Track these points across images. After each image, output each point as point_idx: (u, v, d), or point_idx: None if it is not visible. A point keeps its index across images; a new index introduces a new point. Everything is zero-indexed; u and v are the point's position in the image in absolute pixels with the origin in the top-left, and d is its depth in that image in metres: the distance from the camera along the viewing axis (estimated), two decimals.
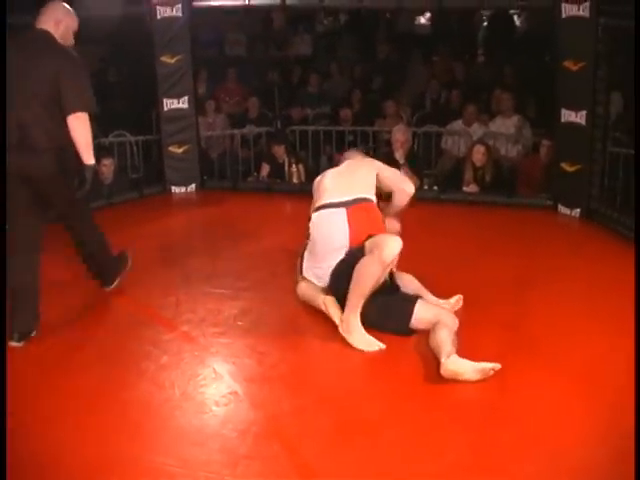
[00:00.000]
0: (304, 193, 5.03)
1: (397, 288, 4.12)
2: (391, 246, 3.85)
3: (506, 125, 7.61)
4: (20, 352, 3.79)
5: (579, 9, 5.55)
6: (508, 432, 3.15)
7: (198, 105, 7.07)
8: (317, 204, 4.26)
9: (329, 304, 4.07)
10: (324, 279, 4.19)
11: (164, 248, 5.38)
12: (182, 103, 6.55)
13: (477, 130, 7.64)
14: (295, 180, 7.02)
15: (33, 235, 4.06)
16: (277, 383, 3.56)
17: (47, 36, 4.03)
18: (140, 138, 7.60)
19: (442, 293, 4.29)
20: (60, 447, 3.07)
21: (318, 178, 4.51)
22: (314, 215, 4.23)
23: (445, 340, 3.64)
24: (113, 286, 4.61)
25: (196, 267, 5.05)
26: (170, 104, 6.62)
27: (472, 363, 3.49)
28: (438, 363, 3.54)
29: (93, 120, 4.14)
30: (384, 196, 4.42)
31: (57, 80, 3.91)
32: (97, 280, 4.59)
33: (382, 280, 3.92)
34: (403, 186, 4.37)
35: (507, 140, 7.49)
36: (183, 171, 6.83)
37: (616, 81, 6.04)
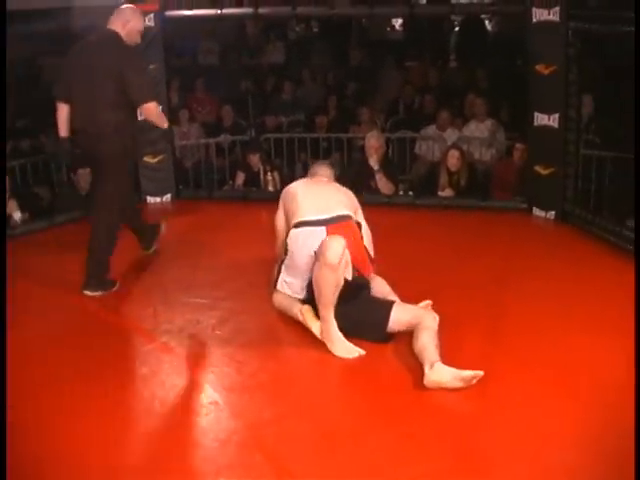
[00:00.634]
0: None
1: (364, 285, 4.12)
2: (333, 247, 3.84)
3: (480, 129, 7.67)
4: None
5: (549, 14, 5.60)
6: (491, 435, 3.18)
7: (172, 115, 7.04)
8: (295, 220, 4.19)
9: (306, 313, 4.07)
10: (298, 293, 4.18)
11: (140, 259, 5.36)
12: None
13: (451, 135, 7.68)
14: (271, 188, 7.01)
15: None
16: (257, 392, 3.56)
17: (114, 35, 4.64)
18: None
19: (419, 296, 4.30)
20: (38, 461, 3.05)
21: (288, 189, 4.46)
22: (293, 232, 4.16)
23: (428, 346, 3.65)
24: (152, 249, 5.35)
25: (173, 277, 5.03)
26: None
27: (454, 371, 3.49)
28: (419, 368, 3.56)
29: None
30: None
31: (121, 75, 4.48)
32: (140, 244, 5.31)
33: (342, 282, 3.89)
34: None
35: (481, 144, 7.54)
36: (158, 181, 6.79)
37: (586, 84, 6.09)
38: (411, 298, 4.23)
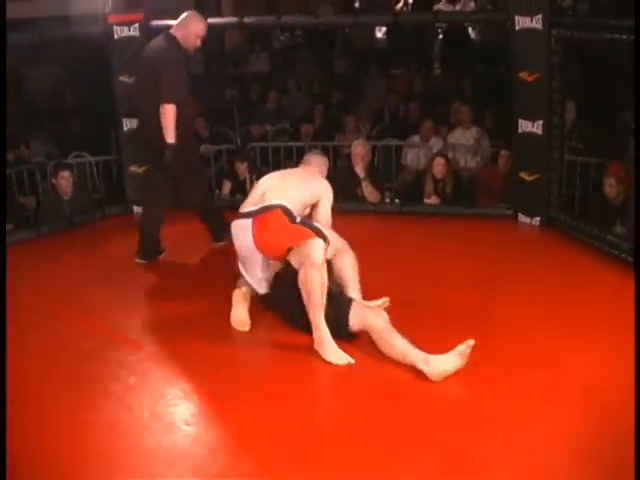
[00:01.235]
0: None
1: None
2: (314, 248, 3.96)
3: (465, 137, 7.71)
4: None
5: (532, 21, 5.64)
6: (482, 439, 3.20)
7: None
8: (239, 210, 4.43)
9: (235, 295, 4.32)
10: (256, 284, 4.38)
11: (128, 268, 5.34)
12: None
13: (436, 144, 7.72)
14: None
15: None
16: (248, 400, 3.55)
17: (168, 38, 5.12)
18: (100, 158, 7.57)
19: (405, 302, 4.35)
20: (28, 470, 3.04)
21: (259, 181, 4.63)
22: (232, 223, 4.42)
23: (403, 346, 3.73)
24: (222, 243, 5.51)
25: (161, 287, 5.03)
26: (130, 124, 6.57)
27: (449, 356, 3.61)
28: (408, 372, 3.59)
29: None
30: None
31: (156, 74, 4.95)
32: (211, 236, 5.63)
33: (326, 282, 3.96)
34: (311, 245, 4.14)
35: (466, 151, 7.58)
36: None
37: (568, 90, 6.14)
38: (398, 304, 4.27)
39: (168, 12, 6.22)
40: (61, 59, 8.81)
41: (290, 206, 4.29)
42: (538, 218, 6.00)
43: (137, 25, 6.43)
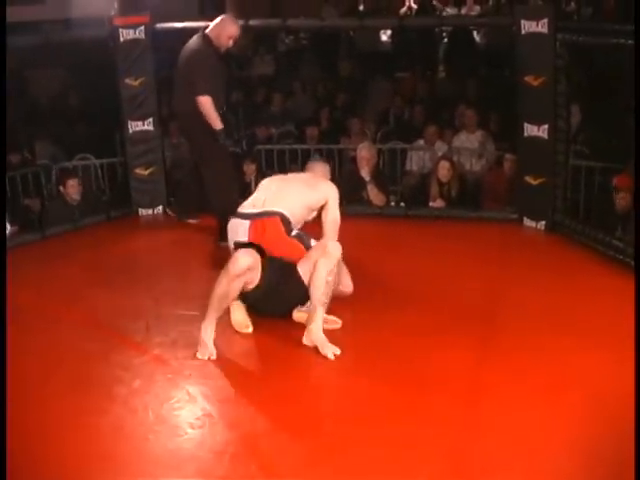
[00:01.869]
0: None
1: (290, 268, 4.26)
2: (333, 244, 4.16)
3: (470, 140, 7.70)
4: None
5: (537, 25, 5.64)
6: (485, 445, 3.19)
7: (163, 126, 7.05)
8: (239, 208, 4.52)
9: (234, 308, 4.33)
10: None
11: (133, 271, 5.35)
12: (147, 125, 6.52)
13: (441, 147, 7.72)
14: None
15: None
16: (251, 403, 3.56)
17: (202, 37, 5.61)
18: (105, 161, 7.58)
19: (409, 305, 4.36)
20: (32, 473, 3.04)
21: (262, 181, 4.80)
22: (230, 221, 4.50)
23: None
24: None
25: (166, 289, 5.02)
26: (135, 126, 6.58)
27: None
28: (411, 376, 3.61)
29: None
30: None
31: (189, 68, 5.52)
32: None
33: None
34: (327, 242, 4.36)
35: (471, 155, 7.57)
36: (150, 193, 6.78)
37: (573, 94, 6.13)
38: (401, 306, 4.27)
39: (173, 15, 6.25)
40: (66, 61, 8.83)
41: (289, 214, 4.38)
42: (543, 222, 5.99)
43: (142, 28, 6.44)
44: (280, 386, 3.75)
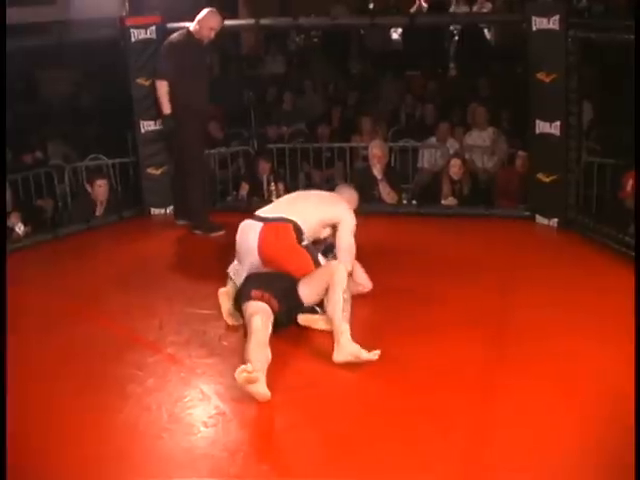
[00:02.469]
0: None
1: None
2: (338, 270, 4.09)
3: (482, 138, 7.69)
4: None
5: (549, 22, 5.62)
6: (496, 444, 3.18)
7: None
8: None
9: (220, 295, 4.46)
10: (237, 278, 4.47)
11: (145, 270, 5.37)
12: (159, 125, 6.54)
13: (453, 144, 7.71)
14: (274, 198, 7.00)
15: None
16: (265, 402, 3.55)
17: (184, 31, 5.91)
18: (117, 161, 7.61)
19: (422, 302, 4.37)
20: (47, 471, 3.05)
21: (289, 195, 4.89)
22: (242, 222, 4.53)
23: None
24: (210, 234, 6.06)
25: (179, 288, 5.03)
26: (147, 126, 6.61)
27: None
28: (424, 376, 3.59)
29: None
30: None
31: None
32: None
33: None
34: (337, 262, 4.35)
35: (483, 152, 7.56)
36: (162, 193, 6.80)
37: (585, 91, 6.11)
38: (415, 304, 4.27)
39: (184, 14, 6.26)
40: (78, 62, 8.85)
41: (303, 225, 4.38)
42: (556, 219, 5.97)
43: (154, 28, 6.46)
44: (293, 385, 3.74)
